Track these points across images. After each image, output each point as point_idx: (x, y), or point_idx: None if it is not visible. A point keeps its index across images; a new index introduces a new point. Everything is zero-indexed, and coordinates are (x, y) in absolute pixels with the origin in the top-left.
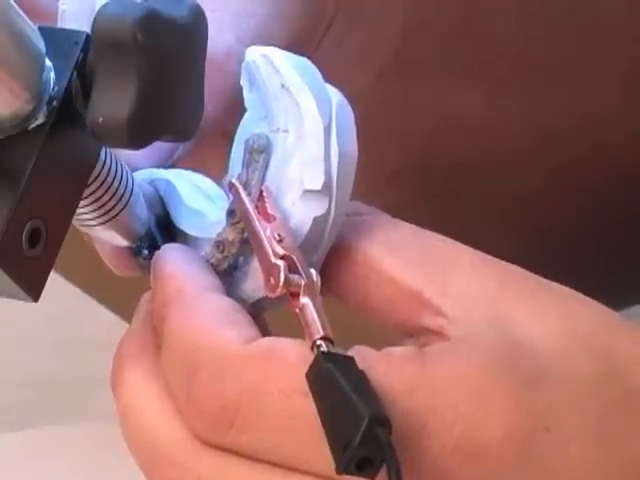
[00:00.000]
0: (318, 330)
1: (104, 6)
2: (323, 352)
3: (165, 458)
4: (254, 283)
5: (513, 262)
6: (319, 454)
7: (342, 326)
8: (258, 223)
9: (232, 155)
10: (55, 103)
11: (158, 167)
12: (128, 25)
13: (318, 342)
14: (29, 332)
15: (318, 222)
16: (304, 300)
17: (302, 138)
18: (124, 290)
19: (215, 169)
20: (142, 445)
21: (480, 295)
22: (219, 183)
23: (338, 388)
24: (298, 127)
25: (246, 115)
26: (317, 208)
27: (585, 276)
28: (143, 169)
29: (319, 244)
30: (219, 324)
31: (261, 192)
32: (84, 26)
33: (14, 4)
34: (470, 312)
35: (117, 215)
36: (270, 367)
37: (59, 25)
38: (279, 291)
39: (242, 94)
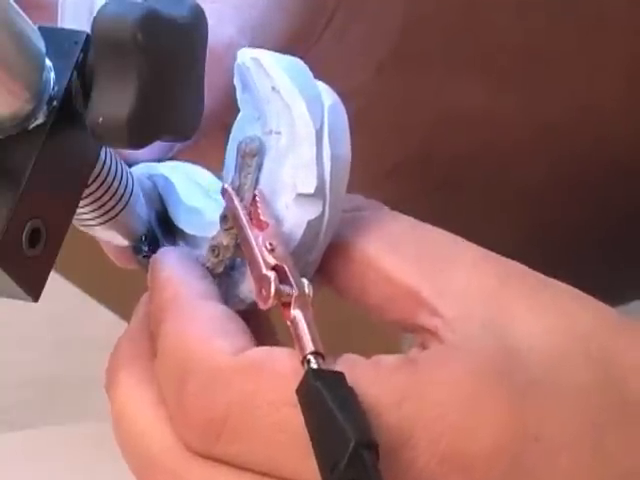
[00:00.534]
0: (308, 344)
1: (104, 6)
2: (312, 369)
3: (156, 465)
4: (251, 284)
5: (513, 256)
6: (307, 467)
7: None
8: (250, 232)
9: (226, 155)
10: (55, 103)
11: (158, 161)
12: (128, 25)
13: (308, 357)
14: (29, 332)
15: (312, 225)
16: (295, 312)
17: (294, 141)
18: (124, 290)
19: (214, 162)
20: (134, 451)
21: (479, 294)
22: (218, 176)
23: (326, 407)
24: (290, 130)
25: (240, 115)
26: (311, 211)
27: (585, 271)
28: (142, 162)
29: (314, 247)
30: (211, 333)
31: (254, 196)
32: (84, 16)
33: (14, 4)
34: (467, 313)
35: (117, 215)
36: (260, 379)
37: (59, 16)
38: (270, 302)
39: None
